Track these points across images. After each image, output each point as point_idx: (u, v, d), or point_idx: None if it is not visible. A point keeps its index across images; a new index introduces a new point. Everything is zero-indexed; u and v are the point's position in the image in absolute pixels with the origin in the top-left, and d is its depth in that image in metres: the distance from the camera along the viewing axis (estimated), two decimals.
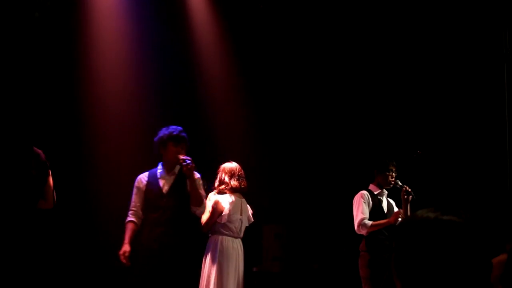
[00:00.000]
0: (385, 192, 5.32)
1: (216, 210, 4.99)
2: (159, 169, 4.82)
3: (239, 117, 7.29)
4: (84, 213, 6.16)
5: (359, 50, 7.19)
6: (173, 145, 4.74)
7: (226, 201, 5.03)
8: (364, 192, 5.22)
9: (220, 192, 5.09)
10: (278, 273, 6.99)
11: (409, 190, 5.15)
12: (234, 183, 5.07)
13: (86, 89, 6.14)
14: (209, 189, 5.45)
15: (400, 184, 5.22)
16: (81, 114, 6.09)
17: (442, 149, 6.65)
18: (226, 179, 5.07)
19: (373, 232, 5.09)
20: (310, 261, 7.39)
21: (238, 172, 5.15)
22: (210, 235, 5.10)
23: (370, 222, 5.07)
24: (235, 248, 5.04)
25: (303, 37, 7.34)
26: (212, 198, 5.10)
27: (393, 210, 5.29)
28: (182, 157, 4.62)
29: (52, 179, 3.68)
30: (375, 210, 5.15)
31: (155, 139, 4.80)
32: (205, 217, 5.04)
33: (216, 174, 5.19)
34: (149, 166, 6.62)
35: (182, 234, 4.76)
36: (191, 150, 7.19)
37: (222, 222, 5.01)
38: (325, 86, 7.55)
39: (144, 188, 4.78)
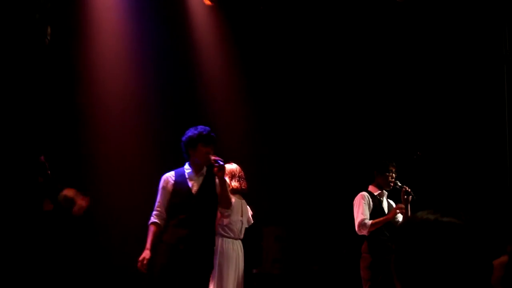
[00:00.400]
0: (385, 193, 5.31)
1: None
2: (187, 169, 4.64)
3: (239, 118, 7.29)
4: (85, 214, 6.15)
5: (360, 52, 7.19)
6: (203, 145, 4.57)
7: None
8: (364, 193, 5.22)
9: None
10: (278, 275, 6.98)
11: (409, 190, 5.15)
12: (234, 184, 5.07)
13: (86, 89, 6.12)
14: None
15: (400, 184, 5.22)
16: (80, 114, 6.08)
17: (442, 151, 6.65)
18: (227, 180, 5.07)
19: (375, 234, 5.09)
20: (310, 263, 7.39)
21: (239, 173, 5.15)
22: None
23: (370, 222, 5.07)
24: (235, 249, 5.04)
25: (304, 38, 7.35)
26: None
27: None
28: (214, 157, 4.49)
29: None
30: (376, 211, 5.15)
31: (183, 138, 4.65)
32: None
33: None
34: (149, 167, 6.64)
35: (208, 236, 4.61)
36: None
37: (223, 224, 5.01)
38: (325, 88, 7.55)
39: (171, 189, 4.58)
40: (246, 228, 5.18)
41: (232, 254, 5.01)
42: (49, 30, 2.40)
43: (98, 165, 6.24)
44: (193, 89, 7.26)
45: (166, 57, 6.92)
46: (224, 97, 7.32)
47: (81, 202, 3.01)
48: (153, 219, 4.56)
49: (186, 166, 4.65)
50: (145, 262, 4.44)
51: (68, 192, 2.85)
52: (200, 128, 4.64)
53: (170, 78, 6.96)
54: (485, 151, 6.24)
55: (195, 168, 4.63)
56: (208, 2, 6.85)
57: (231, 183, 5.06)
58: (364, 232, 5.11)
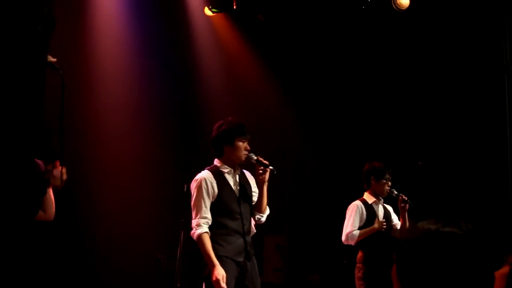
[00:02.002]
0: (381, 199, 5.27)
1: None
2: (224, 168, 4.02)
3: None
4: (82, 224, 6.15)
5: (361, 58, 7.21)
6: (240, 140, 3.98)
7: None
8: (359, 203, 5.15)
9: None
10: (279, 285, 6.96)
11: (406, 198, 5.11)
12: None
13: (86, 91, 6.14)
14: None
15: (396, 193, 5.17)
16: (80, 122, 6.10)
17: (443, 160, 6.64)
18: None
19: (369, 244, 5.06)
20: (311, 273, 7.37)
21: None
22: None
23: (357, 233, 5.05)
24: None
25: (302, 45, 7.38)
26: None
27: (391, 217, 5.26)
28: (258, 157, 3.98)
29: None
30: (370, 220, 5.11)
31: (214, 135, 4.07)
32: None
33: None
34: (149, 171, 6.65)
35: (252, 244, 4.08)
36: (190, 159, 7.23)
37: None
38: (327, 97, 7.56)
39: (214, 192, 3.92)
40: None
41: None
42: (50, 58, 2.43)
43: (97, 169, 6.24)
44: (193, 95, 7.30)
45: (166, 63, 6.96)
46: (224, 105, 7.35)
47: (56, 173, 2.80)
48: (202, 228, 3.84)
49: (219, 164, 4.04)
50: (225, 280, 3.74)
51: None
52: (230, 121, 4.05)
53: (170, 83, 7.00)
54: (487, 160, 6.24)
55: (232, 167, 4.03)
56: (210, 13, 6.89)
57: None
58: (352, 243, 5.09)
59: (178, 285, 6.07)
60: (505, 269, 1.68)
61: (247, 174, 4.18)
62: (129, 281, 6.31)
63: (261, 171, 3.99)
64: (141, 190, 6.56)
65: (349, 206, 5.19)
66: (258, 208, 4.08)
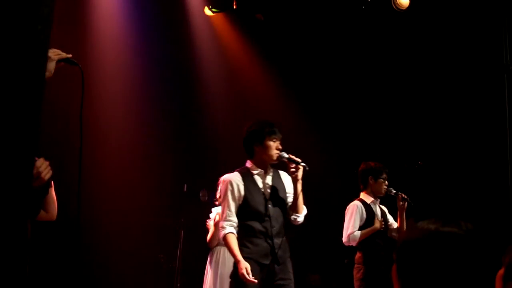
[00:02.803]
0: (378, 199, 5.26)
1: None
2: (254, 170, 3.97)
3: (240, 127, 7.29)
4: (82, 223, 6.15)
5: (361, 58, 7.22)
6: (271, 139, 3.92)
7: None
8: (358, 203, 5.14)
9: None
10: None
11: (405, 197, 5.11)
12: None
13: (86, 95, 6.14)
14: (211, 200, 5.46)
15: (395, 191, 5.17)
16: (79, 121, 6.09)
17: (443, 160, 6.65)
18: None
19: (368, 244, 5.05)
20: (311, 272, 7.36)
21: None
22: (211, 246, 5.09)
23: (359, 234, 5.03)
24: None
25: (302, 44, 7.38)
26: (214, 210, 5.10)
27: (386, 217, 5.26)
28: (290, 156, 3.93)
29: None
30: (369, 220, 5.10)
31: (245, 136, 4.02)
32: (210, 232, 5.04)
33: (217, 186, 5.18)
34: (149, 171, 6.65)
35: (288, 247, 4.03)
36: (191, 162, 7.24)
37: None
38: (326, 96, 7.56)
39: (242, 194, 3.88)
40: None
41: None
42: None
43: (98, 166, 6.25)
44: (193, 95, 7.31)
45: (166, 63, 6.97)
46: (223, 103, 7.35)
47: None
48: (228, 229, 3.83)
49: (250, 165, 3.99)
50: (249, 271, 3.69)
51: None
52: (260, 121, 4.02)
53: (170, 83, 7.01)
54: (486, 160, 6.24)
55: (262, 168, 3.98)
56: (210, 12, 6.89)
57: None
58: (353, 244, 5.07)
59: (178, 284, 6.08)
60: (502, 270, 1.68)
61: (283, 175, 4.10)
62: (129, 281, 6.32)
63: (293, 169, 3.91)
64: (141, 190, 6.57)
65: (348, 207, 5.16)
66: (293, 208, 4.00)
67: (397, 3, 6.16)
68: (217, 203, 5.12)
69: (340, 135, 7.52)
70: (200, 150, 7.40)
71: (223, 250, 4.99)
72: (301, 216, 4.04)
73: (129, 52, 6.61)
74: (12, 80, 1.41)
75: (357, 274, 5.06)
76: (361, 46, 7.13)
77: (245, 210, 3.87)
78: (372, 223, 5.06)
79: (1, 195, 1.45)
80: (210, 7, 6.83)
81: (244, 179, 3.91)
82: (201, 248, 5.53)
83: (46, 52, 1.56)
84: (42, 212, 3.56)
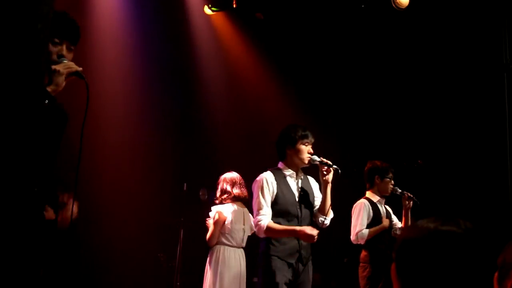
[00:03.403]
0: (384, 199, 5.28)
1: (219, 220, 5.00)
2: (287, 171, 4.06)
3: (241, 126, 7.30)
4: (82, 223, 6.16)
5: (361, 57, 7.21)
6: (303, 143, 4.04)
7: (228, 210, 5.03)
8: (365, 201, 5.17)
9: (222, 202, 5.09)
10: None
11: (411, 196, 5.13)
12: (236, 191, 5.08)
13: (85, 95, 6.14)
14: (211, 199, 5.47)
15: (400, 191, 5.19)
16: (79, 121, 6.10)
17: (443, 159, 6.65)
18: (228, 188, 5.07)
19: (373, 243, 5.07)
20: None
21: (239, 181, 5.16)
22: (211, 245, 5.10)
23: (367, 231, 5.05)
24: (236, 258, 5.03)
25: (302, 43, 7.38)
26: (214, 209, 5.10)
27: (391, 218, 5.27)
28: (321, 159, 4.01)
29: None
30: (376, 219, 5.12)
31: (278, 139, 4.13)
32: (210, 230, 5.04)
33: (217, 185, 5.19)
34: (149, 170, 6.65)
35: (310, 249, 4.07)
36: (191, 161, 7.24)
37: (225, 232, 5.00)
38: (326, 95, 7.56)
39: (275, 192, 3.95)
40: (248, 236, 5.17)
41: (234, 263, 4.99)
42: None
43: (98, 166, 6.25)
44: (193, 94, 7.31)
45: (165, 62, 6.97)
46: (223, 103, 7.35)
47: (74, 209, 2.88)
48: (263, 220, 3.86)
49: (282, 166, 4.08)
50: (314, 232, 3.81)
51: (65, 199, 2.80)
52: (296, 125, 4.15)
53: (169, 82, 7.01)
54: (486, 159, 6.24)
55: (294, 170, 4.08)
56: (209, 11, 6.89)
57: (232, 191, 5.07)
58: (361, 242, 5.08)
59: (178, 283, 6.08)
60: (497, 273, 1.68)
61: (311, 179, 4.21)
62: (129, 280, 6.32)
63: (325, 172, 3.98)
64: (141, 189, 6.57)
65: (355, 205, 5.19)
66: (321, 210, 4.06)
67: (397, 2, 6.16)
68: (217, 202, 5.13)
69: (340, 134, 7.52)
70: (200, 149, 7.40)
71: (222, 249, 5.00)
72: (328, 219, 4.12)
73: (129, 51, 6.61)
74: (12, 79, 1.41)
75: (362, 272, 5.06)
76: (361, 45, 7.13)
77: (275, 208, 3.92)
78: (378, 222, 5.09)
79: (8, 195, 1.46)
80: (210, 6, 6.83)
81: (276, 178, 3.99)
82: (201, 247, 5.53)
83: (46, 50, 1.57)
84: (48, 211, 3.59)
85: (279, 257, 3.85)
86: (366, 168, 5.31)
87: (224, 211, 5.02)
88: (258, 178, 4.02)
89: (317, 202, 4.11)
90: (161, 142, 6.88)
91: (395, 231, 5.25)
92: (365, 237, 5.03)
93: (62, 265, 5.72)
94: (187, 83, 7.32)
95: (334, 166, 3.98)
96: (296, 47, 7.39)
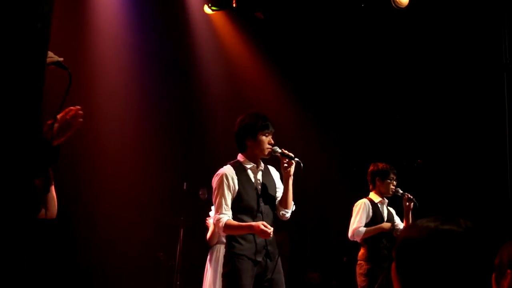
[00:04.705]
0: (386, 200, 5.32)
1: None
2: (247, 164, 3.88)
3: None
4: (82, 222, 6.16)
5: (361, 57, 7.22)
6: (263, 134, 3.83)
7: None
8: (366, 201, 5.22)
9: None
10: None
11: (411, 197, 5.16)
12: None
13: (85, 94, 6.15)
14: (210, 198, 5.47)
15: (401, 192, 5.23)
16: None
17: (443, 158, 6.65)
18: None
19: (373, 242, 5.10)
20: (310, 270, 7.37)
21: None
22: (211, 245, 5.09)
23: (364, 229, 5.10)
24: None
25: (302, 43, 7.38)
26: (213, 209, 5.10)
27: (393, 219, 5.30)
28: (283, 150, 3.82)
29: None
30: (375, 219, 5.16)
31: (237, 129, 3.94)
32: (210, 230, 5.04)
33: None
34: (149, 169, 6.65)
35: (276, 243, 3.93)
36: (190, 160, 7.24)
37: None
38: (325, 94, 7.57)
39: (237, 188, 3.79)
40: None
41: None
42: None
43: (98, 165, 6.25)
44: (192, 93, 7.31)
45: (165, 62, 6.97)
46: (223, 102, 7.35)
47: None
48: (223, 218, 3.72)
49: (242, 159, 3.91)
50: (266, 224, 3.64)
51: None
52: (254, 114, 3.91)
53: (169, 82, 7.01)
54: (486, 159, 6.24)
55: (255, 162, 3.89)
56: (209, 11, 6.88)
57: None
58: (357, 239, 5.16)
59: (178, 282, 6.08)
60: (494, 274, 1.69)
61: (272, 169, 4.06)
62: (129, 279, 6.32)
63: (286, 165, 3.82)
64: (141, 188, 6.57)
65: (357, 203, 5.25)
66: (283, 203, 3.91)
67: (397, 1, 6.16)
68: None
69: (339, 133, 7.52)
70: (199, 148, 7.40)
71: (222, 248, 4.98)
72: (289, 212, 3.98)
73: (128, 50, 6.61)
74: (12, 78, 1.41)
75: (359, 270, 5.11)
76: (361, 44, 7.13)
77: (237, 205, 3.79)
78: (377, 223, 5.13)
79: (2, 192, 1.45)
80: (210, 5, 6.82)
81: (237, 173, 3.83)
82: (201, 246, 5.53)
83: (46, 50, 1.56)
84: (42, 210, 3.57)
85: (246, 256, 3.73)
86: (369, 170, 5.37)
87: None
88: (218, 173, 3.84)
89: (279, 194, 3.95)
90: (161, 141, 6.88)
91: (396, 232, 5.26)
92: (361, 235, 5.09)
93: (61, 262, 5.72)
94: (186, 82, 7.31)
95: (296, 159, 3.82)
96: (296, 47, 7.39)
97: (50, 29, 1.52)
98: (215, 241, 5.03)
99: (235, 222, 3.71)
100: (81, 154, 5.88)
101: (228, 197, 3.76)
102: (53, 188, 3.48)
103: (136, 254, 6.46)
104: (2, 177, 1.41)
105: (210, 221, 5.07)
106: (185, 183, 6.51)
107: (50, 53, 2.53)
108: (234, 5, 6.60)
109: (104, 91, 6.32)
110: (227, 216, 3.73)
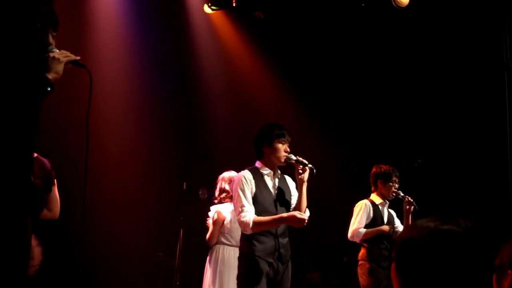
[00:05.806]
0: (387, 202, 5.33)
1: (218, 220, 5.00)
2: (264, 170, 4.06)
3: (238, 126, 7.30)
4: (82, 222, 6.15)
5: (361, 56, 7.21)
6: (280, 142, 4.02)
7: (227, 210, 5.03)
8: (367, 202, 5.23)
9: (221, 202, 5.09)
10: None
11: (412, 200, 5.17)
12: None
13: (85, 94, 6.14)
14: (210, 198, 5.47)
15: (402, 194, 5.23)
16: (79, 121, 6.10)
17: (443, 158, 6.65)
18: (227, 187, 5.07)
19: (374, 242, 5.11)
20: (310, 270, 7.37)
21: None
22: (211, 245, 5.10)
23: (364, 231, 5.10)
24: (236, 257, 5.02)
25: (302, 42, 7.38)
26: (213, 209, 5.11)
27: (393, 221, 5.31)
28: (298, 157, 4.01)
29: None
30: (376, 221, 5.16)
31: (255, 137, 4.13)
32: (210, 230, 5.05)
33: (216, 184, 5.19)
34: (149, 169, 6.65)
35: (289, 248, 4.09)
36: (190, 160, 7.23)
37: (225, 231, 5.00)
38: (325, 94, 7.56)
39: (254, 190, 3.95)
40: None
41: (234, 262, 4.99)
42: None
43: (98, 165, 6.24)
44: (192, 93, 7.31)
45: (165, 61, 6.97)
46: (223, 102, 7.35)
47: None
48: (247, 216, 3.82)
49: (260, 165, 4.09)
50: (305, 216, 3.84)
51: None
52: (273, 123, 4.14)
53: (169, 82, 7.00)
54: (486, 159, 6.24)
55: (271, 169, 4.08)
56: (209, 10, 6.88)
57: (231, 190, 5.07)
58: (357, 240, 5.17)
59: (177, 283, 6.08)
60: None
61: (288, 178, 4.22)
62: (129, 279, 6.32)
63: (300, 171, 4.00)
64: (140, 188, 6.57)
65: (358, 204, 5.26)
66: (297, 209, 4.03)
67: (397, 1, 6.16)
68: (216, 201, 5.13)
69: (340, 133, 7.52)
70: (199, 149, 7.40)
71: (222, 248, 5.00)
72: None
73: (128, 50, 6.61)
74: (11, 78, 1.41)
75: (361, 270, 5.11)
76: (361, 44, 7.12)
77: (255, 208, 3.91)
78: (377, 224, 5.13)
79: (2, 192, 1.45)
80: (210, 5, 6.82)
81: (254, 177, 3.99)
82: (201, 246, 5.54)
83: (45, 50, 1.56)
84: (45, 210, 3.57)
85: (261, 257, 3.85)
86: (371, 172, 5.37)
87: (223, 210, 5.02)
88: (236, 177, 4.05)
89: (294, 201, 4.12)
90: (161, 141, 6.88)
91: (396, 235, 5.27)
92: (361, 236, 5.10)
93: (61, 262, 5.72)
94: (186, 81, 7.31)
95: (310, 165, 4.00)
96: (296, 46, 7.38)
97: (49, 29, 1.52)
98: (215, 241, 5.03)
99: (264, 218, 3.84)
100: (81, 154, 5.87)
101: (249, 196, 3.91)
102: (55, 188, 3.48)
103: (136, 254, 6.46)
104: (2, 177, 1.41)
105: (210, 222, 5.07)
106: (185, 183, 6.51)
107: (66, 52, 2.55)
108: (234, 4, 6.60)
109: (104, 91, 6.31)
110: (251, 213, 3.84)
